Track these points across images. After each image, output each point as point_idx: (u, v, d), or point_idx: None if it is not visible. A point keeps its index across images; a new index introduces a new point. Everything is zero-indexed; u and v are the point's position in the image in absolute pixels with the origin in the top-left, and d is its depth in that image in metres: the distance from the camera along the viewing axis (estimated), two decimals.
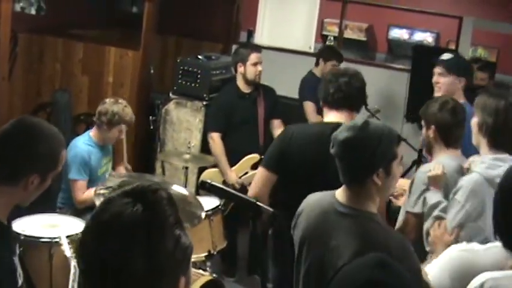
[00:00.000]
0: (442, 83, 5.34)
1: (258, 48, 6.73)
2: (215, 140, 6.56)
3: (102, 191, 4.79)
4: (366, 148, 3.09)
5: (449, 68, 5.36)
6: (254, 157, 6.56)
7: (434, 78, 5.43)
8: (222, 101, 6.73)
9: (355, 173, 3.17)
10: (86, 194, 5.58)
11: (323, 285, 3.09)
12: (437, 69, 5.42)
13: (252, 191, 4.48)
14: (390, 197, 4.37)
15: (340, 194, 3.24)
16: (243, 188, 6.47)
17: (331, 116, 4.38)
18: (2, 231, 2.85)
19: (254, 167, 6.52)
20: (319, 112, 5.92)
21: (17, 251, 2.99)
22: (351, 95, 4.41)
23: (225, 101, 6.66)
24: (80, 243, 1.79)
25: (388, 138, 3.12)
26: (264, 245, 6.69)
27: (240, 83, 6.62)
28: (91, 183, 5.66)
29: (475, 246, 3.17)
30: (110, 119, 5.66)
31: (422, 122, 4.42)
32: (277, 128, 6.72)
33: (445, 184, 4.06)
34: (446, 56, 5.55)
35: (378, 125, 3.19)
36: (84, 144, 5.71)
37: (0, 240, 2.80)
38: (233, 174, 6.52)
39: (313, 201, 3.39)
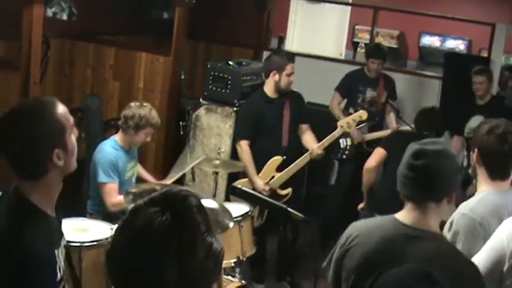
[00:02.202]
0: None
1: (293, 59, 6.66)
2: (243, 147, 6.55)
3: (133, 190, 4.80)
4: (456, 164, 3.06)
5: None
6: (277, 159, 6.55)
7: None
8: (251, 108, 6.70)
9: (439, 187, 3.03)
10: (119, 197, 5.52)
11: None
12: None
13: None
14: None
15: (404, 216, 3.05)
16: (273, 193, 6.48)
17: None
18: (45, 221, 2.80)
19: (279, 169, 6.55)
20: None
21: (62, 243, 2.95)
22: None
23: (254, 108, 6.63)
24: (109, 253, 1.77)
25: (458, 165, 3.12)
26: (294, 251, 6.69)
27: (270, 89, 6.58)
28: (119, 187, 5.66)
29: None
30: (137, 122, 5.64)
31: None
32: (305, 132, 6.76)
33: (480, 226, 3.57)
34: None
35: (450, 152, 3.13)
36: (111, 147, 5.69)
37: (42, 231, 2.76)
38: (260, 182, 6.49)
39: (369, 227, 3.18)
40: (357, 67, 8.41)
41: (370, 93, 7.86)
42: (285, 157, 6.55)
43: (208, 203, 4.94)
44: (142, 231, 1.69)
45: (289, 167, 6.54)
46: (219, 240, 1.77)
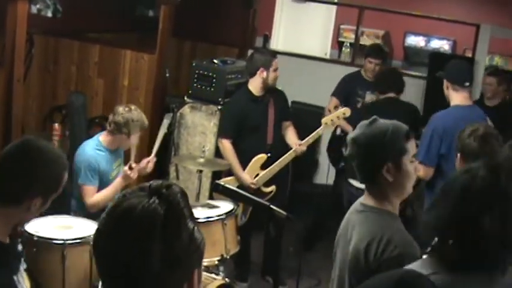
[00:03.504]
0: None
1: (276, 55, 6.77)
2: (225, 145, 6.57)
3: None
4: (371, 143, 3.15)
5: None
6: (262, 157, 6.60)
7: None
8: (235, 107, 6.72)
9: (365, 170, 3.24)
10: (95, 197, 5.56)
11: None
12: None
13: None
14: None
15: (363, 196, 3.30)
16: (258, 191, 6.49)
17: None
18: (2, 250, 2.88)
19: (263, 167, 6.57)
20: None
21: (21, 268, 3.03)
22: None
23: (239, 107, 6.65)
24: (95, 236, 1.78)
25: (395, 132, 3.16)
26: (278, 249, 6.70)
27: (255, 87, 6.60)
28: (103, 187, 5.65)
29: None
30: (131, 128, 5.64)
31: None
32: (288, 129, 6.86)
33: None
34: None
35: (386, 122, 3.22)
36: (92, 149, 5.67)
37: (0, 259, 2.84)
38: (247, 176, 6.54)
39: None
40: (342, 66, 8.42)
41: (369, 97, 7.77)
42: (269, 154, 6.58)
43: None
44: (130, 212, 1.72)
45: (273, 165, 6.58)
46: (199, 230, 1.81)
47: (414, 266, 2.51)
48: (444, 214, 2.41)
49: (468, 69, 6.21)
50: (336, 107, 7.61)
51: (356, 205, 3.33)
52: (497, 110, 7.44)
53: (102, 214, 1.80)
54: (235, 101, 6.82)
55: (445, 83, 5.71)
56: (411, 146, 3.21)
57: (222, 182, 6.31)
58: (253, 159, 6.57)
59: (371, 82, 7.74)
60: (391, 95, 6.73)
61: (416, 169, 3.27)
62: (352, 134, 3.25)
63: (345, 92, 7.86)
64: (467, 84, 5.70)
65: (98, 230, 1.79)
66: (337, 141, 8.02)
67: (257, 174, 6.59)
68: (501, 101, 7.74)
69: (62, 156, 3.11)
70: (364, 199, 3.28)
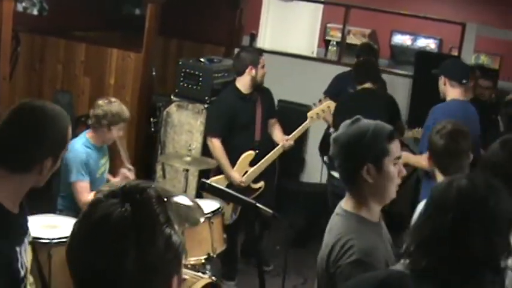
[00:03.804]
0: None
1: (262, 52, 6.86)
2: (215, 144, 6.56)
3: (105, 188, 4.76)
4: (351, 142, 3.09)
5: None
6: (250, 154, 6.62)
7: None
8: (224, 105, 6.71)
9: (345, 170, 3.17)
10: (91, 195, 5.48)
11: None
12: None
13: None
14: None
15: (344, 198, 3.23)
16: (247, 187, 6.51)
17: None
18: (7, 219, 2.80)
19: (252, 163, 6.62)
20: None
21: (26, 240, 2.94)
22: None
23: (227, 106, 6.65)
24: (68, 246, 1.75)
25: (376, 132, 3.07)
26: (260, 240, 6.77)
27: (244, 85, 6.62)
28: (91, 185, 5.63)
29: None
30: (110, 120, 5.62)
31: None
32: (274, 125, 6.94)
33: None
34: None
35: (369, 121, 3.14)
36: (82, 146, 5.65)
37: (2, 229, 2.76)
38: (237, 175, 6.55)
39: None
40: (329, 65, 8.43)
41: None
42: (257, 151, 6.60)
43: (181, 199, 4.95)
44: (101, 223, 1.69)
45: (262, 161, 6.62)
46: (178, 233, 1.76)
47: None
48: (420, 224, 2.39)
49: (466, 67, 6.42)
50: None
51: (337, 207, 3.24)
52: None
53: (76, 221, 1.77)
54: (223, 100, 6.81)
55: (443, 79, 5.84)
56: (395, 147, 3.10)
57: (211, 181, 6.38)
58: (242, 157, 6.59)
59: None
60: (368, 85, 6.72)
61: (400, 172, 3.14)
62: (334, 133, 3.20)
63: (336, 90, 7.88)
64: (465, 81, 5.85)
65: (72, 236, 1.75)
66: (328, 139, 8.06)
67: (246, 172, 6.61)
68: (473, 96, 7.80)
69: (62, 110, 3.03)
70: (344, 202, 3.19)
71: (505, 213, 2.28)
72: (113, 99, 5.78)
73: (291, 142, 6.68)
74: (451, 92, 5.82)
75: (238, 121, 6.59)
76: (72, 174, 5.53)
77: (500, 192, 2.31)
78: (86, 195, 5.51)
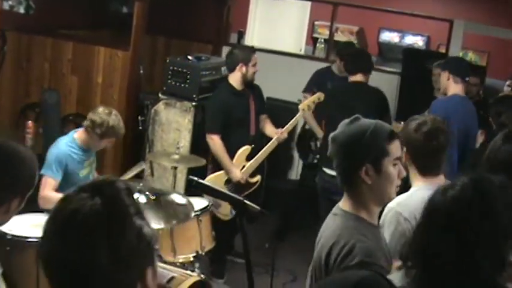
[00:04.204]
0: None
1: (254, 50, 6.91)
2: (215, 141, 6.63)
3: None
4: (349, 142, 3.04)
5: None
6: (247, 149, 6.73)
7: None
8: (219, 101, 6.78)
9: (343, 170, 3.11)
10: (54, 194, 5.36)
11: None
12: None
13: None
14: None
15: (342, 199, 3.18)
16: (245, 182, 6.58)
17: None
18: None
19: (248, 158, 6.73)
20: None
21: None
22: None
23: (222, 102, 6.72)
24: (40, 243, 1.75)
25: (375, 132, 3.02)
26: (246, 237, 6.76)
27: (236, 81, 6.71)
28: (72, 185, 5.55)
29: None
30: (105, 131, 5.56)
31: None
32: (265, 121, 7.04)
33: (405, 221, 3.57)
34: None
35: (369, 121, 3.09)
36: (66, 145, 5.61)
37: None
38: (238, 171, 6.65)
39: None
40: (317, 62, 8.42)
41: None
42: (253, 146, 6.66)
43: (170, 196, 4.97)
44: (72, 217, 1.69)
45: (258, 155, 6.73)
46: (149, 224, 1.77)
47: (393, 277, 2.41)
48: (415, 233, 2.36)
49: (468, 65, 6.60)
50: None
51: (334, 208, 3.18)
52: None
53: (47, 218, 1.76)
54: (218, 96, 6.88)
55: (446, 74, 6.00)
56: (395, 147, 3.05)
57: (210, 177, 6.49)
58: (239, 152, 6.68)
59: (341, 77, 7.70)
60: (360, 76, 6.71)
61: (400, 173, 3.09)
62: (333, 132, 3.13)
63: (315, 85, 7.88)
64: (467, 79, 6.08)
65: (44, 232, 1.74)
66: (305, 134, 8.15)
67: (243, 166, 6.71)
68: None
69: (32, 154, 3.06)
70: (342, 202, 3.13)
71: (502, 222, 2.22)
72: (114, 111, 5.73)
73: (285, 135, 6.79)
74: (454, 87, 5.96)
75: (233, 116, 6.67)
76: (45, 167, 5.46)
77: (494, 200, 2.24)
78: (48, 191, 5.41)
